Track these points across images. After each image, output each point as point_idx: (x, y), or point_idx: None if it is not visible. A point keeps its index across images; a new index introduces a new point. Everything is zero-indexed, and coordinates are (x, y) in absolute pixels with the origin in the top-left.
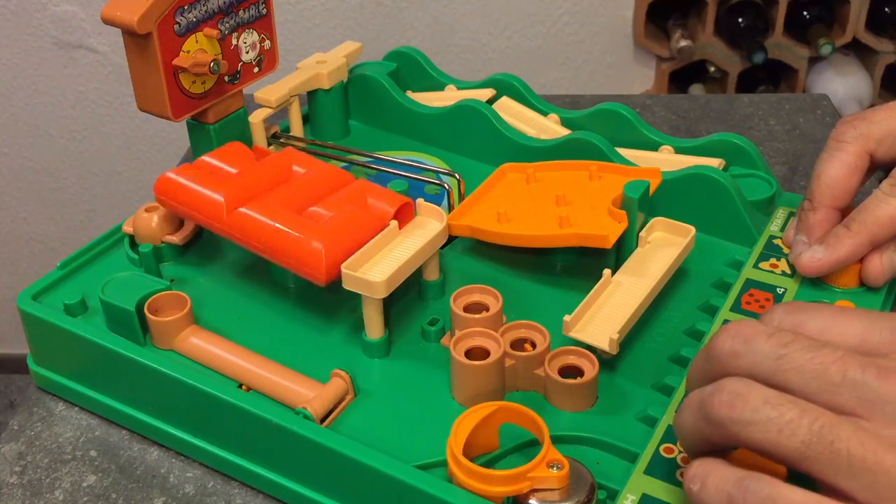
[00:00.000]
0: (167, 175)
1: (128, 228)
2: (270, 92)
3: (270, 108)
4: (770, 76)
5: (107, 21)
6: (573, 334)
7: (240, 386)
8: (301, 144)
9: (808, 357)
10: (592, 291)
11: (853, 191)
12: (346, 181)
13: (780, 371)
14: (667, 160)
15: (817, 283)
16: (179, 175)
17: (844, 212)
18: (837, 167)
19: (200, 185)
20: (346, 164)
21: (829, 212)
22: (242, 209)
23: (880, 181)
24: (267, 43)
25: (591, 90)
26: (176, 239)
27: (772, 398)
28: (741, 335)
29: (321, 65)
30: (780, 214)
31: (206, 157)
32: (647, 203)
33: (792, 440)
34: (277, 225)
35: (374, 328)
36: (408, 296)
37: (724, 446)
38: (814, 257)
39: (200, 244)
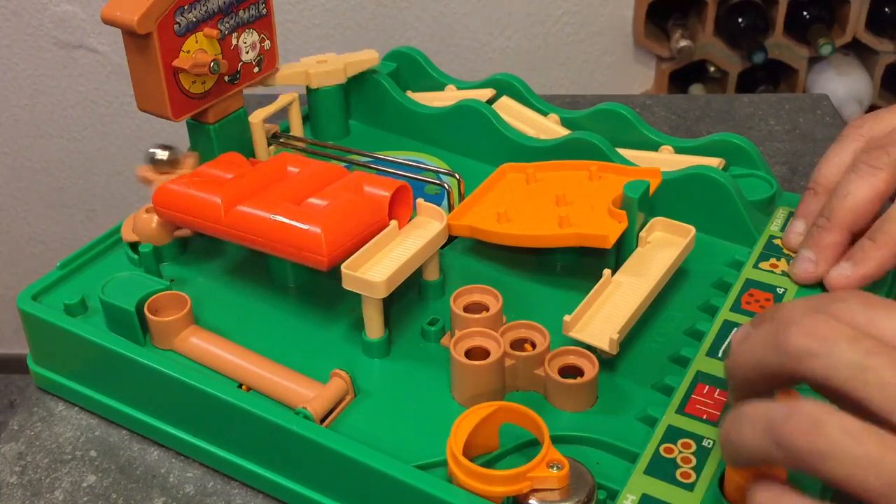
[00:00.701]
0: (165, 185)
1: (127, 235)
2: (291, 67)
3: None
4: (770, 76)
5: (107, 21)
6: (573, 334)
7: (240, 386)
8: (301, 145)
9: (894, 374)
10: (592, 291)
11: (875, 216)
12: (342, 174)
13: (860, 382)
14: (667, 160)
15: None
16: (177, 184)
17: (857, 235)
18: (868, 192)
19: (198, 191)
20: (346, 165)
21: (845, 234)
22: (240, 207)
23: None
24: (267, 43)
25: (591, 90)
26: (188, 232)
27: (849, 427)
28: (818, 334)
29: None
30: (780, 214)
31: (202, 167)
32: (647, 203)
33: (879, 479)
34: (275, 217)
35: (374, 328)
36: (408, 296)
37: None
38: (842, 274)
39: (200, 244)
